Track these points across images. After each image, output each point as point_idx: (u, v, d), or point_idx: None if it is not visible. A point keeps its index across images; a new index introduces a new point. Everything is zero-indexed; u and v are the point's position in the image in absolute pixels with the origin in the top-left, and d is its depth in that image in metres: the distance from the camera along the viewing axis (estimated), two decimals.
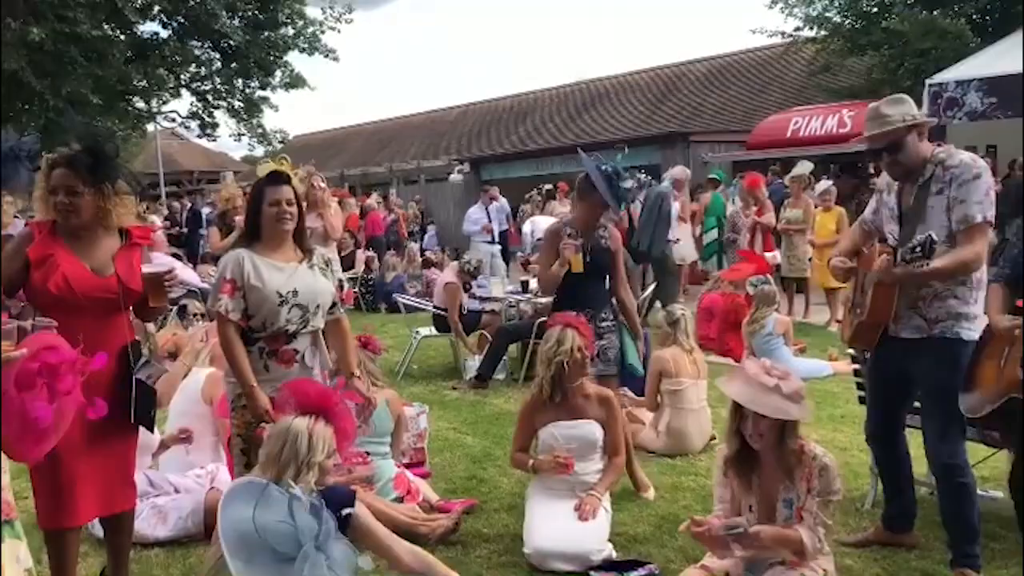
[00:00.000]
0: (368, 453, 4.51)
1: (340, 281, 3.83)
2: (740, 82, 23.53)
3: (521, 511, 4.31)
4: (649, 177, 10.88)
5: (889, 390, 3.86)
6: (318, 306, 3.65)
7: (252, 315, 3.56)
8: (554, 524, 3.91)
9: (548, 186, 14.98)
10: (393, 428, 4.70)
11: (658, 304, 10.01)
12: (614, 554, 3.89)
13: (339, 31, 22.55)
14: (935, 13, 15.43)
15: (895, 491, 4.02)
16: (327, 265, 3.78)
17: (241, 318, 3.54)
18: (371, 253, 14.02)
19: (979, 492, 4.54)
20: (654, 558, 3.93)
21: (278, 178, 3.63)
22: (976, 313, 3.57)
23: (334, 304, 3.78)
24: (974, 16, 15.65)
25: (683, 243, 10.64)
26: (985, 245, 3.47)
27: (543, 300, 7.86)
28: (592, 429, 4.17)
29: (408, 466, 4.95)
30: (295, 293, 3.56)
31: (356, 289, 13.03)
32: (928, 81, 13.42)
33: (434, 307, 8.51)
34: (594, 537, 3.89)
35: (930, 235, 3.26)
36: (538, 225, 11.04)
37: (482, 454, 5.60)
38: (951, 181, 3.47)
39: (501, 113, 30.00)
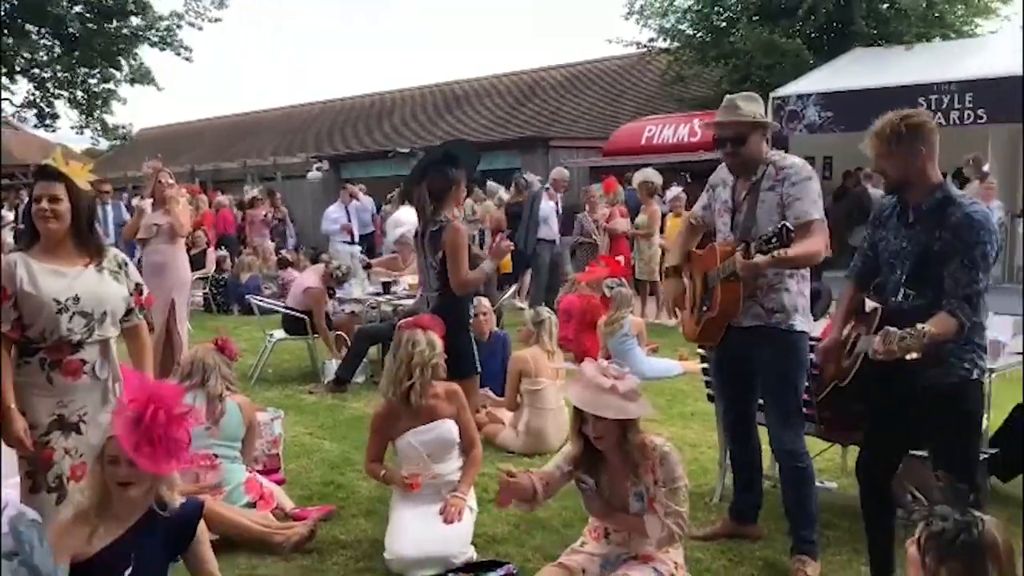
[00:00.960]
0: (216, 456, 4.34)
1: (138, 285, 3.50)
2: (597, 89, 24.11)
3: (381, 516, 4.25)
4: (530, 179, 11.05)
5: (735, 381, 4.03)
6: (105, 313, 3.35)
7: (28, 325, 3.24)
8: (418, 528, 3.86)
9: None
10: (244, 434, 4.53)
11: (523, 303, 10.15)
12: (475, 556, 3.89)
13: (201, 28, 21.67)
14: (775, 32, 16.30)
15: (746, 483, 4.21)
16: (121, 268, 3.46)
17: (13, 329, 3.22)
18: (223, 252, 13.52)
19: (816, 483, 4.83)
20: (512, 558, 3.95)
21: (44, 173, 3.33)
22: (806, 306, 3.82)
23: (129, 311, 3.47)
24: (811, 35, 16.62)
25: None
26: (824, 238, 3.70)
27: (407, 302, 7.81)
28: (448, 428, 4.11)
29: (262, 473, 4.79)
30: (76, 300, 3.27)
31: (207, 290, 12.54)
32: (772, 94, 14.18)
33: (288, 309, 8.22)
34: (458, 539, 3.86)
35: (785, 224, 3.44)
36: (402, 221, 10.86)
37: (340, 459, 5.49)
38: (784, 180, 3.69)
39: (362, 111, 29.62)
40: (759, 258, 3.52)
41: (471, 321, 4.92)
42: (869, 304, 3.51)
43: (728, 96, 3.92)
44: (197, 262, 12.93)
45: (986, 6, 17.61)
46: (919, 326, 2.84)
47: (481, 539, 4.15)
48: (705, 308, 3.90)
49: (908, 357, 2.82)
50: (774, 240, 3.43)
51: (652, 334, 8.72)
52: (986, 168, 10.93)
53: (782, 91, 14.14)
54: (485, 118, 24.57)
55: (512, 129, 22.41)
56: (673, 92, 20.04)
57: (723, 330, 3.86)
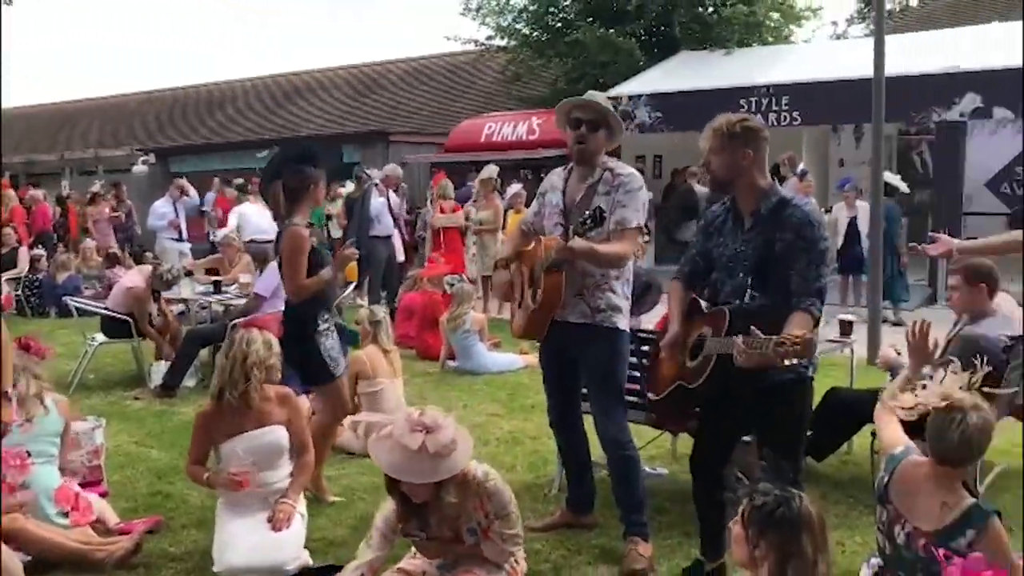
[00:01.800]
0: (29, 454, 3.94)
1: None
2: (438, 85, 24.12)
3: (212, 526, 4.07)
4: (373, 174, 10.90)
5: (562, 375, 4.12)
6: None
7: None
8: (247, 537, 3.70)
9: (239, 180, 14.27)
10: (62, 431, 4.18)
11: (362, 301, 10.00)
12: (310, 561, 3.79)
13: (10, 2, 20.00)
14: (611, 30, 16.81)
15: (576, 474, 4.32)
16: None
17: None
18: (38, 251, 12.59)
19: (648, 469, 5.01)
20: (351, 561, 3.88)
21: None
22: (627, 308, 3.96)
23: None
24: (643, 35, 17.24)
25: None
26: (634, 246, 3.90)
27: (238, 302, 7.53)
28: (279, 434, 3.95)
29: (83, 486, 4.47)
30: None
31: (19, 291, 11.66)
32: (606, 95, 14.61)
33: (107, 310, 7.65)
34: (290, 546, 3.74)
35: (599, 207, 3.61)
36: (247, 218, 10.47)
37: (168, 467, 5.23)
38: (619, 187, 3.81)
39: (192, 101, 28.35)
40: (575, 241, 3.64)
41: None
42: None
43: (592, 91, 4.03)
44: (8, 261, 12.02)
45: (799, 14, 18.84)
46: (797, 333, 2.87)
47: (319, 543, 4.07)
48: (530, 302, 3.98)
49: (787, 363, 2.84)
50: (589, 222, 3.57)
51: (494, 329, 8.80)
52: (801, 166, 11.67)
53: (615, 91, 14.59)
54: (324, 111, 24.08)
55: (352, 123, 22.07)
56: (512, 90, 20.32)
57: (547, 323, 3.93)
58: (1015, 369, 4.39)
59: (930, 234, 3.89)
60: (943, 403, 2.72)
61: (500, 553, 3.25)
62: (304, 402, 4.73)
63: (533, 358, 7.42)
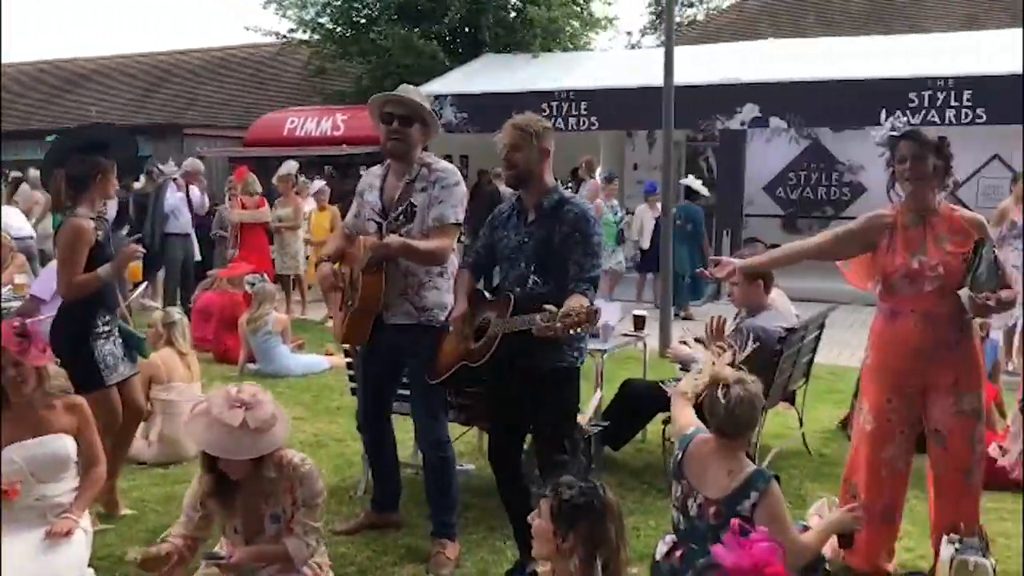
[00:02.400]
0: None
1: None
2: (237, 77, 23.20)
3: None
4: (167, 169, 10.30)
5: (380, 376, 4.09)
6: None
7: None
8: (22, 557, 3.38)
9: (16, 173, 13.14)
10: None
11: (153, 303, 9.46)
12: None
13: None
14: (415, 31, 16.80)
15: (384, 475, 4.29)
16: None
17: None
18: None
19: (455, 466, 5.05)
20: None
21: None
22: (451, 303, 3.95)
23: None
24: (447, 37, 17.36)
25: None
26: (453, 242, 3.91)
27: (13, 304, 6.92)
28: (63, 444, 3.62)
29: None
30: None
31: None
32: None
33: None
34: (68, 564, 3.43)
35: (410, 201, 3.66)
36: (11, 218, 9.62)
37: None
38: (435, 182, 3.82)
39: None
40: (390, 237, 3.66)
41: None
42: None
43: (405, 85, 3.98)
44: None
45: (597, 22, 19.62)
46: (583, 304, 3.15)
47: (106, 561, 3.82)
48: (351, 303, 3.91)
49: (575, 332, 3.10)
50: (402, 218, 3.64)
51: (297, 330, 8.59)
52: (609, 171, 12.17)
53: (421, 90, 14.62)
54: (112, 101, 22.56)
55: (143, 114, 20.82)
56: (315, 85, 19.87)
57: (370, 323, 3.89)
58: (788, 359, 4.79)
59: (712, 258, 4.21)
60: (712, 382, 3.03)
61: (300, 548, 3.17)
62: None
63: (338, 359, 7.29)
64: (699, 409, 3.14)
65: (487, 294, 3.71)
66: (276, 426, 3.10)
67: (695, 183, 10.96)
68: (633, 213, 11.58)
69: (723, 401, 2.97)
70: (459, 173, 3.92)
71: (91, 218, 4.16)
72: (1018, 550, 3.95)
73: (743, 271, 4.00)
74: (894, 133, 3.50)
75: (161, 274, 10.05)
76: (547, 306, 3.12)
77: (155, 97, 22.41)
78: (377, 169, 4.06)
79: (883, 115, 11.20)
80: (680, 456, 3.14)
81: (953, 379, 3.46)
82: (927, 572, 3.58)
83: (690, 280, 10.68)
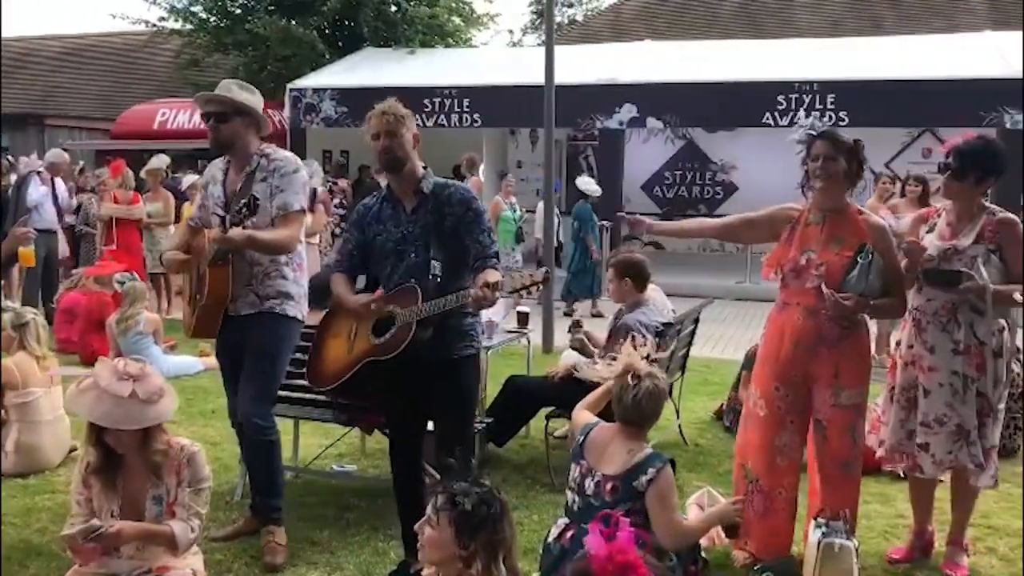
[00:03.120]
0: None
1: None
2: (102, 67, 22.14)
3: None
4: (27, 161, 9.72)
5: (237, 372, 3.94)
6: None
7: None
8: None
9: None
10: None
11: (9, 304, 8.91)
12: None
13: None
14: (293, 22, 16.41)
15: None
16: None
17: None
18: None
19: (336, 467, 4.98)
20: None
21: None
22: (302, 295, 3.92)
23: None
24: (325, 29, 17.03)
25: None
26: (300, 230, 3.88)
27: None
28: None
29: None
30: None
31: None
32: (289, 86, 14.27)
33: None
34: None
35: (253, 194, 3.60)
36: None
37: None
38: (274, 171, 3.79)
39: None
40: (233, 231, 3.59)
41: None
42: None
43: (226, 80, 3.93)
44: None
45: (479, 18, 19.65)
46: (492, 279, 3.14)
47: None
48: (199, 297, 3.84)
49: (527, 294, 3.23)
50: (245, 210, 3.57)
51: (170, 330, 8.25)
52: (481, 167, 12.17)
53: (299, 83, 14.30)
54: None
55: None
56: (188, 76, 19.14)
57: (219, 317, 3.82)
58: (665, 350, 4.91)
59: (619, 214, 4.50)
60: (624, 372, 3.23)
61: (186, 531, 3.09)
62: None
63: (214, 360, 7.05)
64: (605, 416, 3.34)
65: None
66: (164, 399, 3.08)
67: (588, 183, 10.97)
68: (533, 212, 11.55)
69: (632, 392, 3.18)
70: (299, 161, 3.91)
71: None
72: (879, 530, 4.18)
73: (653, 228, 4.31)
74: (812, 132, 3.59)
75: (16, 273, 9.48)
76: (461, 291, 3.17)
77: (10, 85, 21.12)
78: (220, 162, 4.01)
79: (762, 116, 11.72)
80: (582, 440, 3.31)
81: (833, 372, 3.56)
82: (797, 556, 3.72)
83: (578, 273, 10.82)
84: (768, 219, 3.78)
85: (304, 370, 3.84)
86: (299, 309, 3.91)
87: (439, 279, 3.35)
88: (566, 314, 10.18)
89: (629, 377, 3.22)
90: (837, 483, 3.64)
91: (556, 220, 10.71)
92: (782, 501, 3.71)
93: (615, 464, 3.18)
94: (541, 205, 11.28)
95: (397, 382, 3.54)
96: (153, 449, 3.07)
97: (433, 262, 3.38)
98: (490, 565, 2.44)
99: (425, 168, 3.51)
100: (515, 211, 11.03)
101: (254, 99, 3.87)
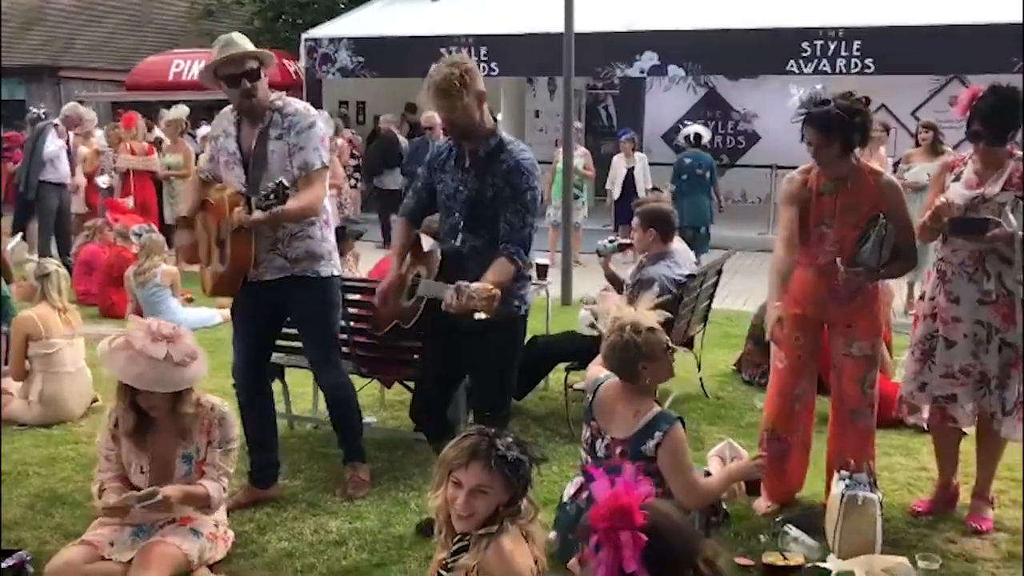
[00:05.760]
0: None
1: None
2: (117, 18, 21.93)
3: None
4: (39, 112, 9.69)
5: (255, 331, 3.90)
6: None
7: None
8: None
9: None
10: None
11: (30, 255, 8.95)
12: None
13: None
14: None
15: (259, 437, 3.98)
16: None
17: None
18: None
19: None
20: (27, 543, 3.47)
21: None
22: (332, 250, 3.85)
23: None
24: None
25: None
26: (324, 187, 3.73)
27: None
28: None
29: None
30: None
31: None
32: (304, 35, 14.10)
33: None
34: None
35: (281, 181, 3.41)
36: None
37: None
38: (290, 128, 3.62)
39: None
40: (257, 215, 3.47)
41: None
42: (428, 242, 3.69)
43: (227, 36, 3.70)
44: None
45: None
46: (488, 287, 2.99)
47: None
48: (218, 261, 3.73)
49: (477, 317, 2.98)
50: (272, 197, 3.39)
51: (187, 282, 8.25)
52: (499, 117, 12.00)
53: (315, 33, 14.13)
54: None
55: (15, 56, 19.51)
56: (203, 26, 18.98)
57: (239, 281, 3.73)
58: (687, 305, 4.85)
59: None
60: (614, 323, 3.15)
61: (219, 491, 3.16)
62: None
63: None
64: None
65: (428, 244, 3.59)
66: (197, 360, 3.11)
67: (702, 129, 10.30)
68: (548, 163, 11.27)
69: (612, 344, 3.12)
70: (312, 112, 3.71)
71: None
72: (902, 483, 4.15)
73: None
74: (804, 111, 3.46)
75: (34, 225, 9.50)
76: (460, 283, 3.01)
77: (27, 38, 21.00)
78: (230, 113, 3.79)
79: (785, 64, 11.45)
80: (591, 398, 3.26)
81: (847, 323, 3.62)
82: (820, 505, 3.71)
83: (705, 231, 9.86)
84: (792, 201, 3.59)
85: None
86: (332, 266, 3.80)
87: (466, 249, 3.33)
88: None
89: (616, 329, 3.12)
90: (846, 429, 3.70)
91: (625, 170, 10.50)
92: (796, 447, 3.78)
93: (623, 427, 3.12)
94: (617, 156, 10.90)
95: (431, 338, 3.56)
96: (183, 411, 3.10)
97: (462, 232, 3.35)
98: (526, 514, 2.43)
99: (494, 125, 3.36)
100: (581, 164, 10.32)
101: (249, 44, 3.68)
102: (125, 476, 3.18)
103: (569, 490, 3.30)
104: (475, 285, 2.99)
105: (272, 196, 3.38)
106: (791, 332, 3.62)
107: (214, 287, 3.81)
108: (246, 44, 3.64)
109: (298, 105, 3.70)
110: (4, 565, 3.19)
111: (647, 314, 3.18)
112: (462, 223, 3.36)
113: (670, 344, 3.19)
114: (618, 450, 3.11)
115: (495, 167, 3.30)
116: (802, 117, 3.47)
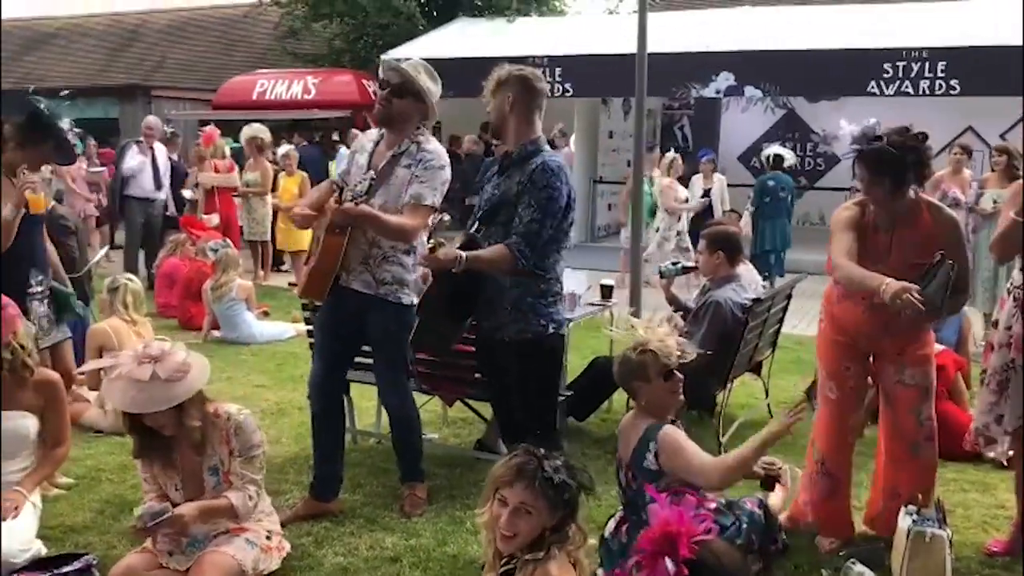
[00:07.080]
0: None
1: None
2: (205, 39, 22.73)
3: None
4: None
5: (334, 340, 3.97)
6: None
7: None
8: None
9: None
10: None
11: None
12: (43, 551, 3.45)
13: None
14: None
15: (326, 449, 4.04)
16: None
17: None
18: None
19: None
20: (94, 547, 3.59)
21: None
22: (416, 279, 3.89)
23: None
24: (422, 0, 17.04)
25: None
26: (425, 224, 3.80)
27: None
28: (24, 424, 3.58)
29: None
30: None
31: None
32: (383, 56, 14.35)
33: None
34: (16, 537, 3.35)
35: (371, 175, 3.57)
36: None
37: None
38: (420, 161, 3.74)
39: None
40: (348, 206, 3.58)
41: None
42: None
43: (413, 61, 3.93)
44: None
45: None
46: (452, 252, 3.30)
47: (56, 530, 3.74)
48: (312, 259, 3.87)
49: (454, 270, 3.29)
50: (358, 187, 3.56)
51: (263, 297, 8.47)
52: (572, 137, 12.02)
53: (393, 53, 14.37)
54: (78, 61, 22.05)
55: (110, 76, 20.39)
56: (286, 47, 19.47)
57: (327, 283, 3.79)
58: (753, 329, 4.76)
59: None
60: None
61: (243, 500, 3.16)
62: None
63: (304, 326, 7.19)
64: None
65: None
66: (191, 373, 3.08)
67: (782, 151, 10.30)
68: (623, 183, 11.19)
69: (616, 358, 3.23)
70: (446, 158, 3.83)
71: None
72: (977, 520, 3.97)
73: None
74: (857, 147, 3.37)
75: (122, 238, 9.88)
76: (436, 238, 3.28)
77: (122, 58, 21.93)
78: (374, 133, 4.01)
79: (866, 85, 11.18)
80: (619, 428, 3.34)
81: (899, 350, 3.52)
82: (884, 540, 3.58)
83: (780, 254, 9.78)
84: (850, 229, 3.46)
85: None
86: (412, 297, 3.85)
87: (479, 239, 3.47)
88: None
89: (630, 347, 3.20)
90: (905, 464, 3.59)
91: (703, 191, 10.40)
92: (846, 482, 3.72)
93: (626, 449, 3.18)
94: (696, 176, 10.64)
95: (484, 361, 3.71)
96: (190, 425, 3.09)
97: (477, 223, 3.52)
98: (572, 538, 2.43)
99: (536, 136, 3.51)
100: (652, 184, 10.16)
101: (435, 88, 3.82)
102: (165, 495, 3.23)
103: (610, 525, 3.26)
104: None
105: (359, 186, 3.54)
106: (839, 361, 3.55)
107: (303, 286, 3.92)
108: (421, 78, 3.78)
109: (437, 146, 3.84)
110: (71, 568, 3.30)
111: (660, 335, 3.14)
112: (480, 216, 3.53)
113: (673, 370, 3.14)
114: (629, 474, 3.15)
115: (525, 167, 3.44)
116: (855, 153, 3.37)
